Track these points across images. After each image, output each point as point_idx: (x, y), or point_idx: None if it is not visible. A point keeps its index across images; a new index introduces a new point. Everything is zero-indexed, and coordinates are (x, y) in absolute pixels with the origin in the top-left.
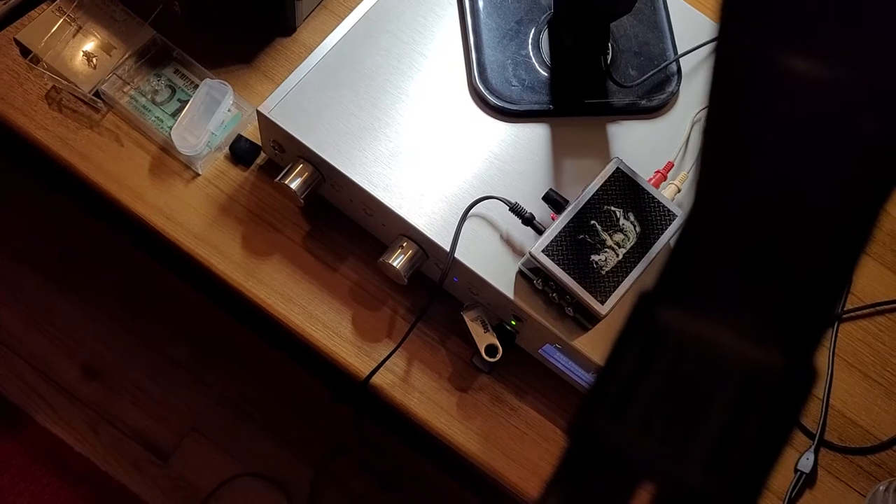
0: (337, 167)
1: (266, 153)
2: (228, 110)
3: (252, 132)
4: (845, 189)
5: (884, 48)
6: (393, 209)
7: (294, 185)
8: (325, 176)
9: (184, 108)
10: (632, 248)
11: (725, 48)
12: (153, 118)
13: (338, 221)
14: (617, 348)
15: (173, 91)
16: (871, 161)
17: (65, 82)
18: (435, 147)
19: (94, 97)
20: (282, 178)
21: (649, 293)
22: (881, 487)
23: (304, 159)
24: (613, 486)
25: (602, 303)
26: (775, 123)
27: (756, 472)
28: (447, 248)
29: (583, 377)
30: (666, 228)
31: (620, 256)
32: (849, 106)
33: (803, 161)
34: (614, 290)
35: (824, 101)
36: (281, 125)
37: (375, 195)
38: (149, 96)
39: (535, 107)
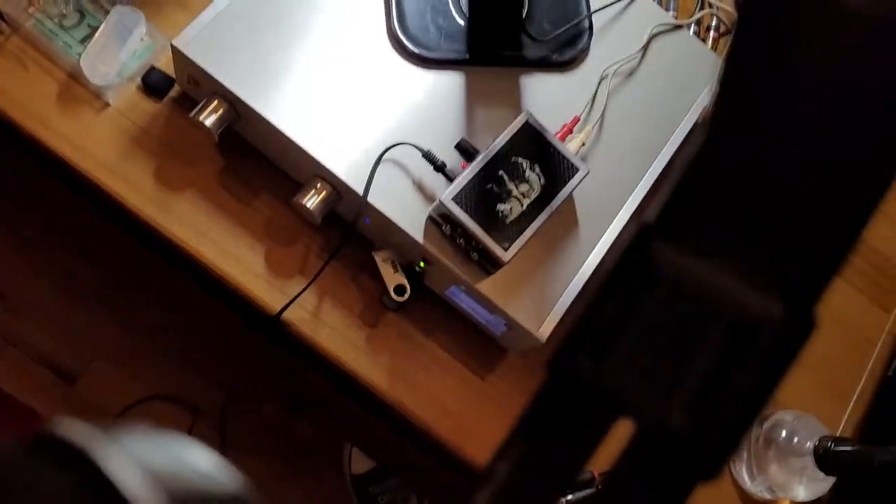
0: (253, 107)
1: (180, 86)
2: (141, 39)
3: (166, 63)
4: (876, 142)
5: None
6: (308, 151)
7: (208, 122)
8: (240, 113)
9: (94, 34)
10: (536, 198)
11: None
12: (61, 43)
13: (253, 157)
14: (609, 281)
15: (82, 16)
16: None
17: None
18: (352, 91)
19: None
20: (196, 114)
21: (648, 226)
22: None
23: (219, 96)
24: (588, 421)
25: (505, 249)
26: (810, 53)
27: (739, 418)
28: (360, 191)
29: (486, 317)
30: (568, 181)
31: (525, 206)
32: None
33: (836, 102)
34: (517, 237)
35: (871, 34)
36: (196, 61)
37: (291, 136)
38: (56, 20)
39: (452, 55)
